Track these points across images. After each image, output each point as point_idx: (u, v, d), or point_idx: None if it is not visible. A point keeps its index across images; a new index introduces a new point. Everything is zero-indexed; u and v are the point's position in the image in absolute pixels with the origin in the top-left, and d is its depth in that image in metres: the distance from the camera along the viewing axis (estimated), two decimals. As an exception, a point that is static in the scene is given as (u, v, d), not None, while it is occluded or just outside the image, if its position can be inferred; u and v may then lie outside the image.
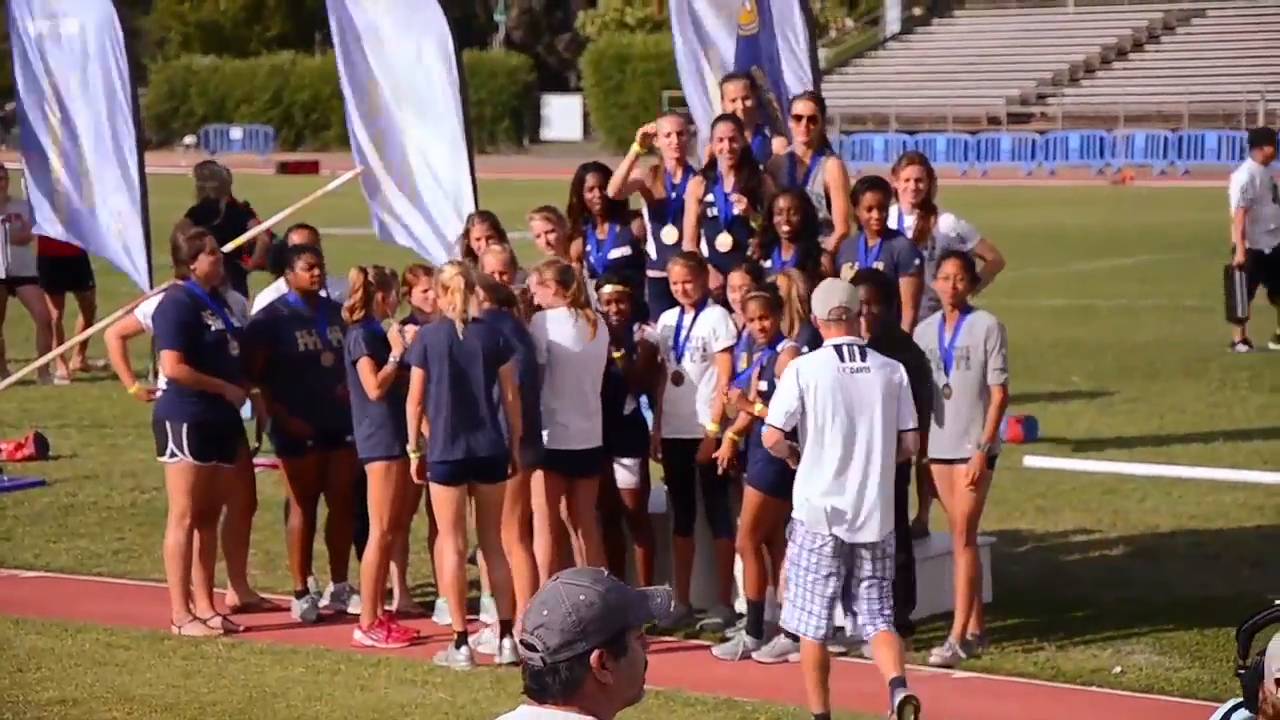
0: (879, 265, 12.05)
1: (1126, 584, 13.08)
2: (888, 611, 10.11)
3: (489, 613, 11.91)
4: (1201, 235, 37.77)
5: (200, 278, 12.14)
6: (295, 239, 12.94)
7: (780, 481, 11.32)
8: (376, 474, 11.87)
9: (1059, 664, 11.40)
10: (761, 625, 11.57)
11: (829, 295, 10.25)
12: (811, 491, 10.03)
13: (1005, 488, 15.84)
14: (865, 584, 10.06)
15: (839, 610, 10.12)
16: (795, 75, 14.64)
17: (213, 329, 12.04)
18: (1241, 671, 4.82)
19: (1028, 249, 35.14)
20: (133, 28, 16.63)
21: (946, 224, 13.23)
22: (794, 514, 10.16)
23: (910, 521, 12.30)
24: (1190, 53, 71.64)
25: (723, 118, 12.79)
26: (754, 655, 11.46)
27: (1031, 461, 16.95)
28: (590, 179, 12.64)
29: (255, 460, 12.79)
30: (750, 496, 11.50)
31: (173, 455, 11.97)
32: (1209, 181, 56.36)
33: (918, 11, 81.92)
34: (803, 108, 12.85)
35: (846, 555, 10.00)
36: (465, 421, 11.33)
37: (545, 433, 11.65)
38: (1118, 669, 11.28)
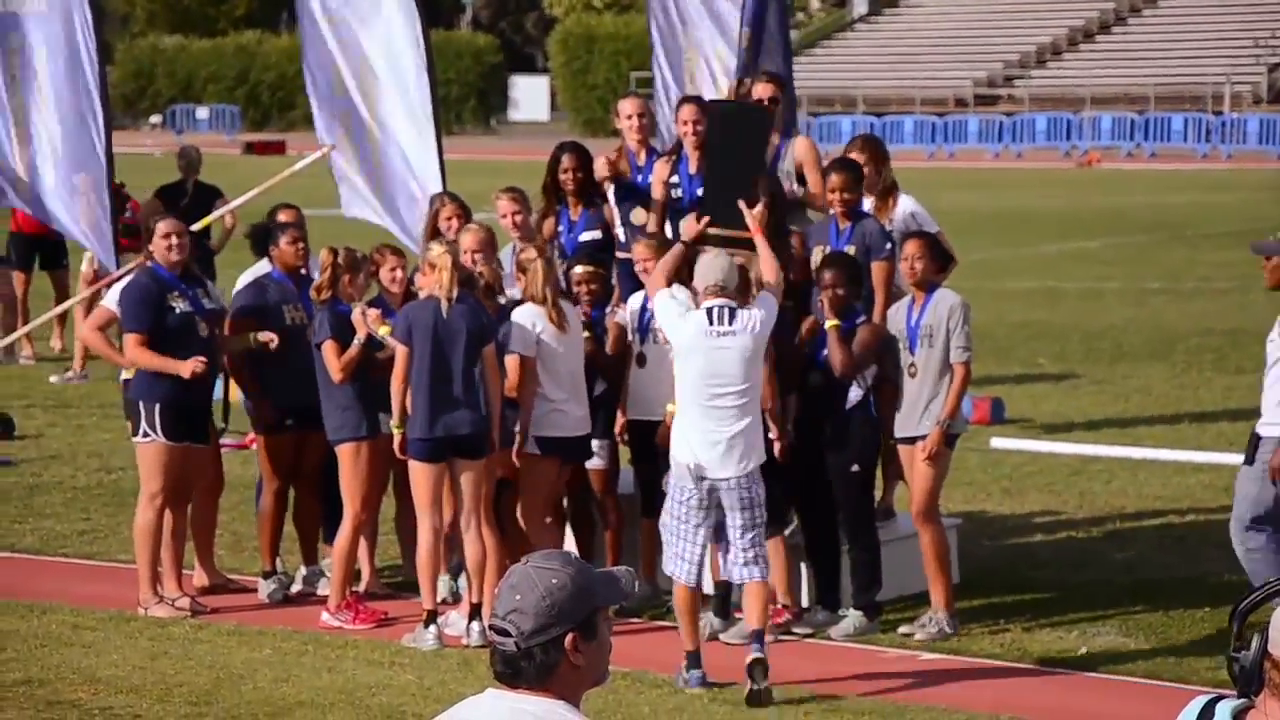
0: (850, 248, 12.05)
1: (1092, 565, 13.12)
2: (761, 561, 10.67)
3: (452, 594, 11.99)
4: (1167, 218, 37.89)
5: (160, 260, 12.09)
6: (281, 217, 12.91)
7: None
8: (347, 455, 11.86)
9: (1025, 645, 11.43)
10: (729, 607, 11.58)
11: (707, 272, 10.71)
12: (681, 446, 10.60)
13: (972, 469, 15.88)
14: (736, 531, 10.61)
15: (708, 557, 10.72)
16: (772, 56, 14.64)
17: (178, 310, 12.00)
18: (1236, 654, 4.77)
19: (994, 231, 35.21)
20: (100, 6, 16.53)
21: (905, 207, 13.22)
22: (675, 478, 10.68)
23: (875, 504, 12.32)
24: (1156, 35, 71.80)
25: (686, 99, 12.78)
26: (720, 637, 11.47)
27: (998, 443, 16.99)
28: (566, 159, 12.59)
29: (221, 441, 12.77)
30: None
31: (145, 435, 11.94)
32: (1175, 164, 56.56)
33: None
34: (762, 90, 12.82)
35: (716, 505, 10.59)
36: (447, 399, 11.33)
37: (542, 420, 11.68)
38: (1083, 650, 11.31)
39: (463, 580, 12.00)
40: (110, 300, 12.72)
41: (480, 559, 11.44)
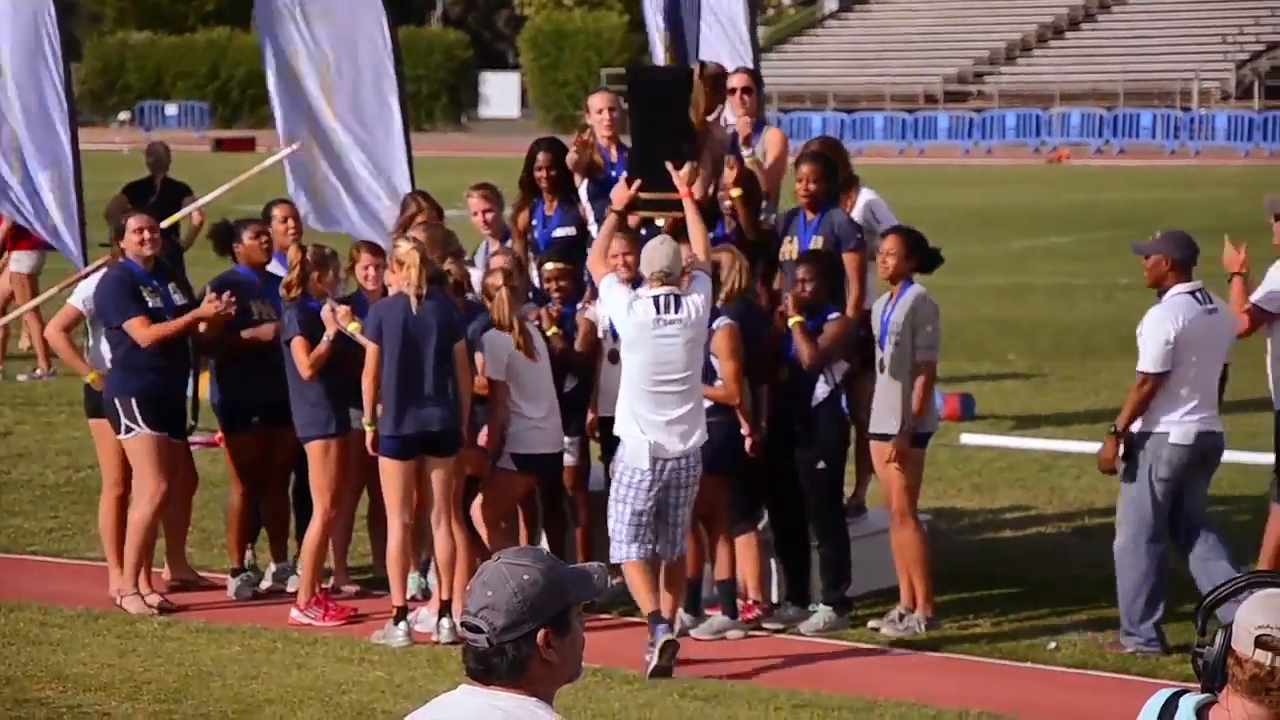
0: (818, 239, 12.04)
1: (1062, 561, 13.14)
2: (685, 538, 11.13)
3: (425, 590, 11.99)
4: (1136, 214, 37.95)
5: (132, 255, 12.04)
6: (276, 212, 12.86)
7: (716, 460, 11.36)
8: (316, 453, 11.84)
9: (995, 640, 11.45)
10: (699, 602, 11.59)
11: (652, 259, 10.91)
12: (631, 427, 10.83)
13: (942, 465, 15.90)
14: (677, 510, 10.96)
15: (651, 535, 10.99)
16: (733, 52, 14.62)
17: (150, 305, 11.96)
18: (1200, 649, 4.78)
19: (964, 228, 35.26)
20: (68, 2, 16.49)
21: (864, 199, 13.23)
22: (626, 461, 10.90)
23: (846, 499, 12.33)
24: (1125, 32, 71.98)
25: None
26: (691, 632, 11.47)
27: (968, 439, 17.01)
28: (542, 156, 12.55)
29: (191, 439, 12.72)
30: (688, 475, 11.54)
31: (129, 430, 11.89)
32: (1144, 160, 56.71)
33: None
34: (737, 81, 12.85)
35: (661, 487, 10.86)
36: (417, 396, 11.31)
37: (519, 437, 11.69)
38: (1053, 645, 11.33)
39: (432, 577, 11.99)
40: (77, 299, 12.61)
41: (450, 555, 11.43)
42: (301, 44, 14.86)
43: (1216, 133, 60.54)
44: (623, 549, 10.97)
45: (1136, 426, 11.08)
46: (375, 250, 12.29)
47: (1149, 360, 10.93)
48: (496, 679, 4.65)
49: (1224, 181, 47.58)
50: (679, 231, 11.43)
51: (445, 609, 11.39)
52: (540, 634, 4.62)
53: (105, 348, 12.18)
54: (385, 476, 11.50)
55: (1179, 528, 11.16)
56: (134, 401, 11.83)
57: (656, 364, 10.85)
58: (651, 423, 10.85)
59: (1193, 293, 10.98)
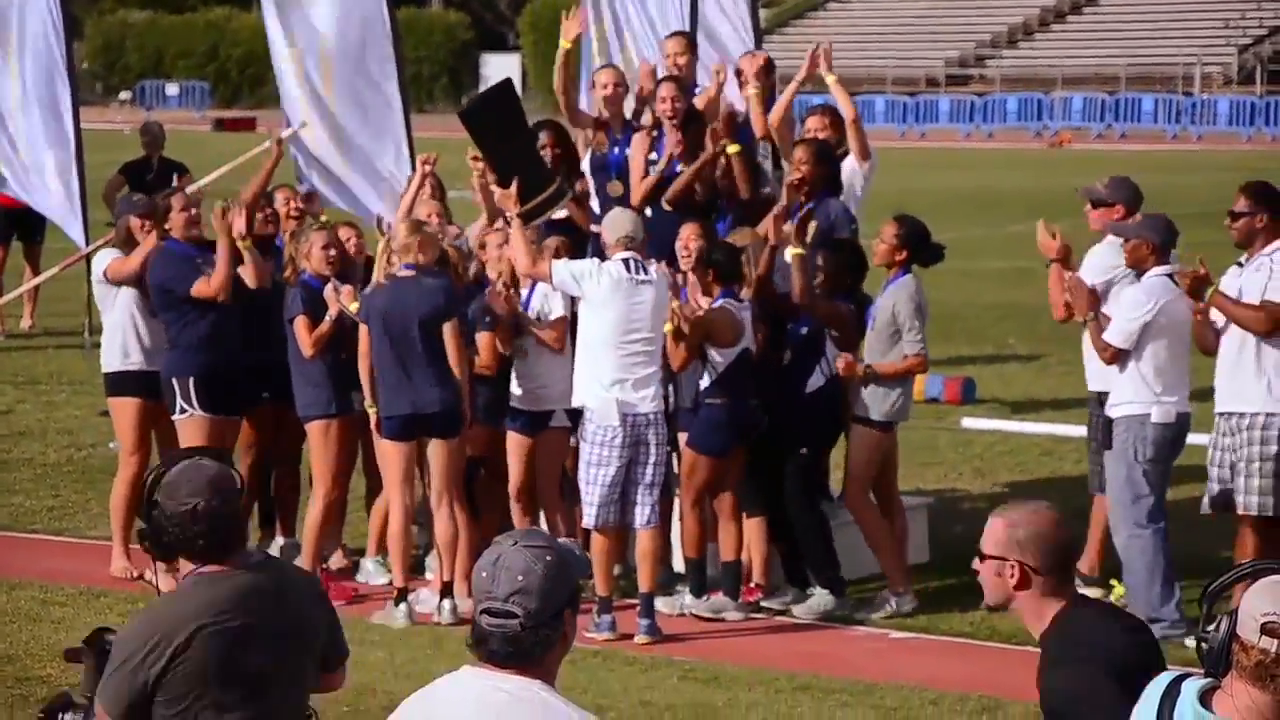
0: (812, 226, 12.03)
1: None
2: (657, 508, 11.27)
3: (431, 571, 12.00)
4: (1138, 198, 37.86)
5: (180, 235, 12.00)
6: (280, 196, 12.86)
7: (717, 442, 11.38)
8: (316, 432, 11.84)
9: (995, 624, 11.45)
10: (703, 583, 11.59)
11: (617, 225, 11.20)
12: (598, 387, 10.98)
13: (943, 449, 15.92)
14: (649, 470, 11.12)
15: (619, 501, 11.14)
16: (734, 35, 14.61)
17: (203, 270, 11.90)
18: (1205, 634, 4.79)
19: (965, 212, 35.25)
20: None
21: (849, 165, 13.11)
22: (584, 414, 11.09)
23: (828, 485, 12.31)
24: (1127, 16, 71.87)
25: (666, 79, 12.76)
26: (692, 612, 11.49)
27: (969, 423, 17.02)
28: (544, 136, 12.56)
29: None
30: (687, 456, 11.54)
31: (183, 411, 11.87)
32: (1145, 145, 56.62)
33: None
34: (748, 64, 12.87)
35: (632, 445, 11.02)
36: (414, 377, 11.31)
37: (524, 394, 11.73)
38: (1053, 629, 11.32)
39: (431, 558, 11.99)
40: (97, 276, 12.46)
41: (450, 537, 11.43)
42: (303, 25, 14.85)
43: (1219, 117, 60.46)
44: (598, 514, 11.11)
45: (1114, 412, 11.07)
46: (353, 225, 12.32)
47: (1117, 335, 10.94)
48: (521, 662, 4.67)
49: (1226, 166, 47.52)
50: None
51: (447, 590, 11.40)
52: (566, 613, 4.70)
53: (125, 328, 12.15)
54: (385, 457, 11.51)
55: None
56: (191, 382, 11.81)
57: (628, 322, 11.00)
58: (619, 381, 11.00)
59: (1170, 275, 11.01)
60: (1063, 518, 5.71)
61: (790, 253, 11.60)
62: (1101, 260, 11.50)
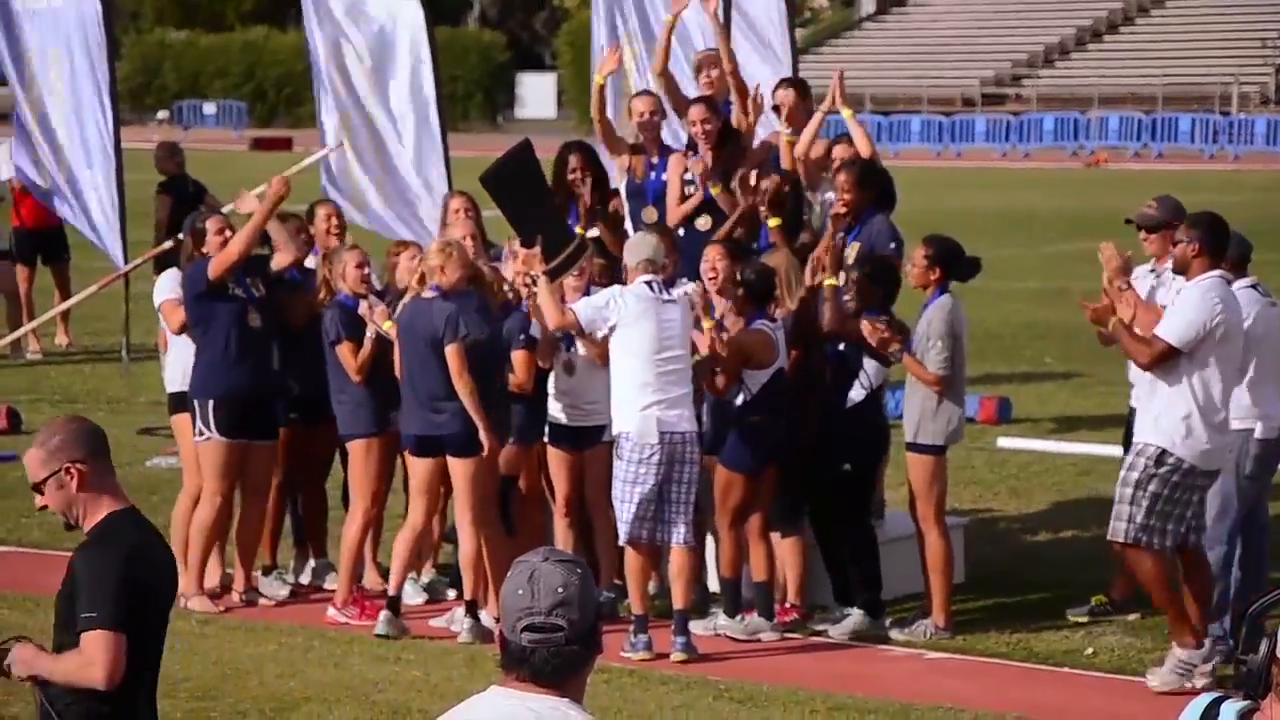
0: (854, 247, 12.02)
1: (1099, 565, 13.07)
2: (691, 526, 11.33)
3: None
4: (1175, 218, 37.75)
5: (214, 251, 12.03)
6: (321, 211, 12.83)
7: (751, 460, 11.37)
8: (358, 451, 11.86)
9: (1031, 645, 11.42)
10: (738, 603, 11.58)
11: (638, 248, 11.32)
12: (635, 406, 11.06)
13: (979, 468, 15.88)
14: (682, 488, 11.17)
15: (654, 518, 11.23)
16: (762, 60, 14.59)
17: (232, 291, 11.92)
18: (1244, 657, 4.76)
19: (1001, 231, 35.21)
20: (110, 2, 16.63)
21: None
22: (620, 432, 11.13)
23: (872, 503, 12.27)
24: (1164, 35, 71.74)
25: (697, 100, 12.77)
26: (726, 633, 11.47)
27: (1005, 443, 16.97)
28: (573, 159, 12.58)
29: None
30: (721, 475, 11.52)
31: (201, 434, 11.87)
32: (1182, 164, 56.47)
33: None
34: (782, 97, 12.81)
35: (667, 463, 11.09)
36: (427, 397, 11.35)
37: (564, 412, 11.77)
38: (1090, 650, 11.30)
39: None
40: (163, 299, 12.40)
41: (471, 555, 11.44)
42: (344, 43, 14.91)
43: (1256, 137, 60.25)
44: (631, 529, 11.16)
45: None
46: (409, 246, 12.33)
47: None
48: (564, 676, 4.67)
49: (1263, 186, 47.38)
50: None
51: (470, 608, 11.41)
52: (598, 627, 4.72)
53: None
54: (409, 470, 11.57)
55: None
56: (211, 405, 11.80)
57: (660, 340, 11.09)
58: (655, 401, 11.05)
59: (1254, 286, 11.01)
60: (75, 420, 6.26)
61: (826, 282, 11.60)
62: (1142, 285, 11.50)
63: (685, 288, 11.60)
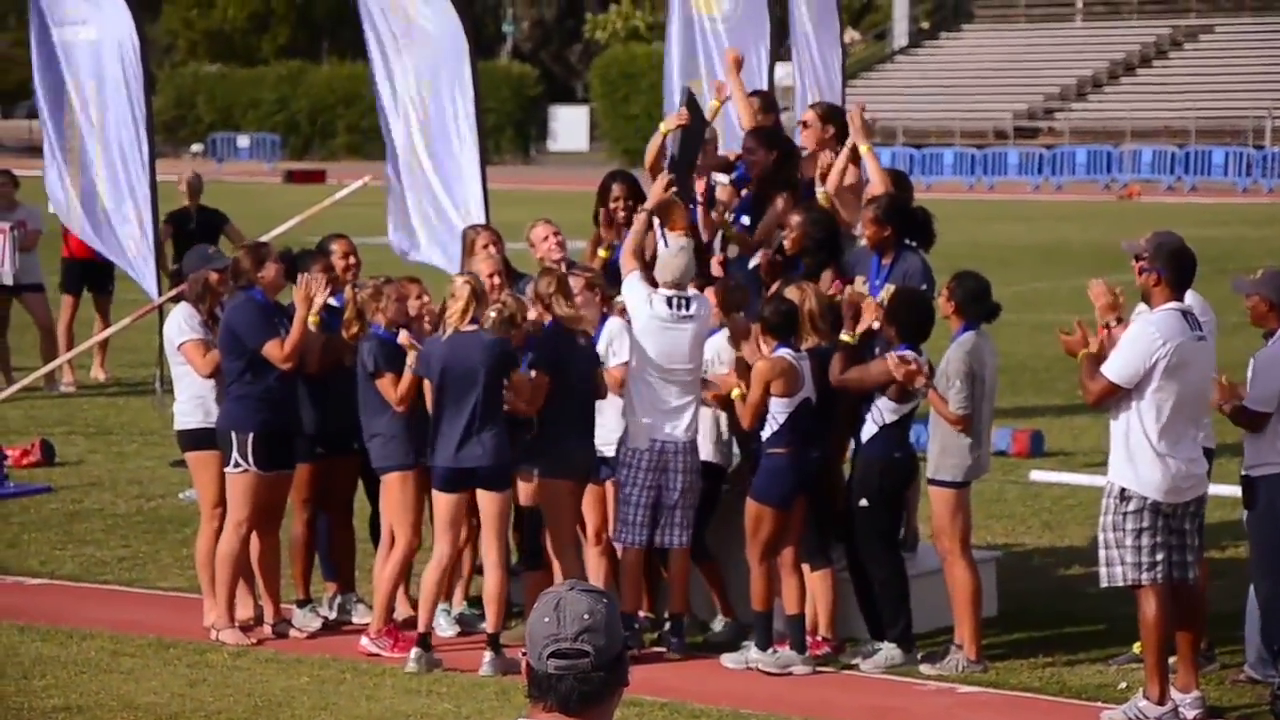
0: (889, 287, 12.00)
1: (1132, 600, 13.03)
2: (689, 530, 11.68)
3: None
4: (1207, 252, 37.65)
5: (267, 286, 12.07)
6: (334, 247, 12.81)
7: (781, 492, 11.36)
8: (394, 484, 11.87)
9: (1065, 679, 11.39)
10: (769, 636, 11.56)
11: (665, 270, 11.71)
12: (632, 415, 11.57)
13: (1011, 502, 15.84)
14: (676, 493, 11.54)
15: (657, 522, 11.65)
16: (820, 84, 14.79)
17: (281, 330, 11.98)
18: None
19: (1034, 263, 35.16)
20: (146, 36, 16.76)
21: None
22: (627, 444, 11.58)
23: (901, 535, 12.24)
24: (1198, 69, 71.68)
25: (752, 131, 12.97)
26: (759, 666, 11.45)
27: (1037, 476, 16.94)
28: (617, 188, 12.64)
29: None
30: (751, 509, 11.51)
31: (236, 465, 11.92)
32: (1215, 198, 56.39)
33: (925, 25, 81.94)
34: (807, 116, 13.08)
35: (659, 470, 11.51)
36: (459, 431, 11.36)
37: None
38: (1123, 685, 11.26)
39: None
40: (176, 332, 12.41)
41: (496, 589, 11.44)
42: (401, 76, 14.96)
43: (1290, 170, 60.14)
44: (625, 533, 11.64)
45: (1254, 473, 10.95)
46: (418, 280, 12.34)
47: (1259, 401, 10.82)
48: (591, 705, 4.66)
49: (1297, 219, 47.26)
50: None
51: (493, 642, 11.40)
52: (625, 655, 4.72)
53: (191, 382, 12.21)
54: (435, 505, 11.58)
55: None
56: (251, 439, 11.85)
57: (667, 354, 11.57)
58: (652, 408, 11.52)
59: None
60: None
61: (842, 336, 11.62)
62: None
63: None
